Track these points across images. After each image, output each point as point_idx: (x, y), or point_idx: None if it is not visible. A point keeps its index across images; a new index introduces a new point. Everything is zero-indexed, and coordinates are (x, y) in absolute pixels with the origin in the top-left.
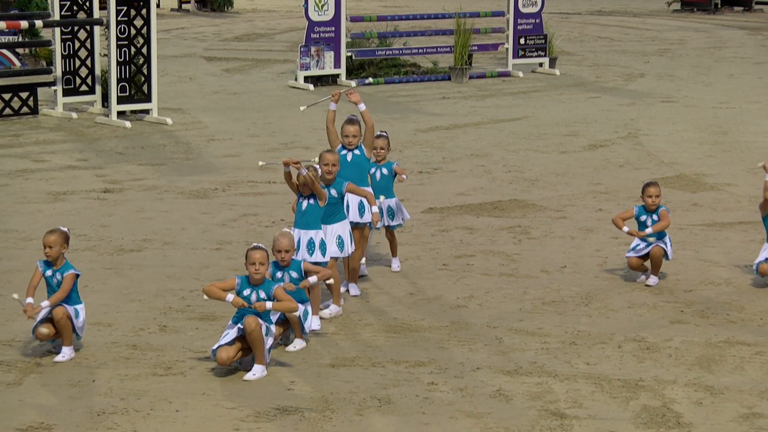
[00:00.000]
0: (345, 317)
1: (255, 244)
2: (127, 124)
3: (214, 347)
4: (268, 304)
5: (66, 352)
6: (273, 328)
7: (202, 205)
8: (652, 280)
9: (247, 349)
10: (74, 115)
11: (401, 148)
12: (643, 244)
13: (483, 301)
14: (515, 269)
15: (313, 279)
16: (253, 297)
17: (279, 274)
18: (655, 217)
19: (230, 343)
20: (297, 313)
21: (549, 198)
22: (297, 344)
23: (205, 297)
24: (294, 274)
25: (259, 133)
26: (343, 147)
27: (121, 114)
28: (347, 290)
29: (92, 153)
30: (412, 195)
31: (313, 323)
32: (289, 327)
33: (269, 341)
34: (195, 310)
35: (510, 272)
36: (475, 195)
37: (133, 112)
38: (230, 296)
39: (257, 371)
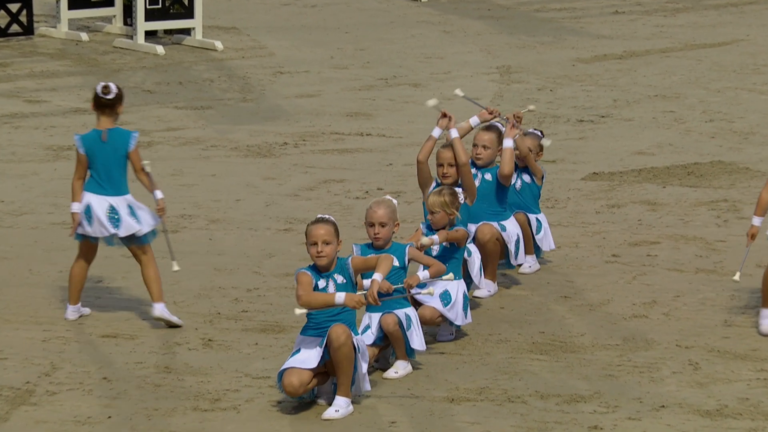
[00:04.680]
0: (472, 329)
1: (319, 215)
2: (160, 49)
3: (282, 368)
4: (377, 276)
5: (341, 405)
6: (363, 344)
7: (265, 166)
8: None
9: (325, 374)
10: (84, 36)
11: (553, 86)
12: None
13: (671, 309)
14: (718, 263)
15: (424, 273)
16: (331, 287)
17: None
18: None
19: (307, 366)
20: (398, 317)
21: None
22: (400, 368)
23: (299, 312)
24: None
25: (347, 63)
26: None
27: (150, 35)
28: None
29: None
30: (569, 154)
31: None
32: (389, 344)
33: (362, 365)
34: (254, 317)
35: (711, 267)
36: (661, 155)
37: (168, 32)
38: (341, 296)
39: (341, 406)
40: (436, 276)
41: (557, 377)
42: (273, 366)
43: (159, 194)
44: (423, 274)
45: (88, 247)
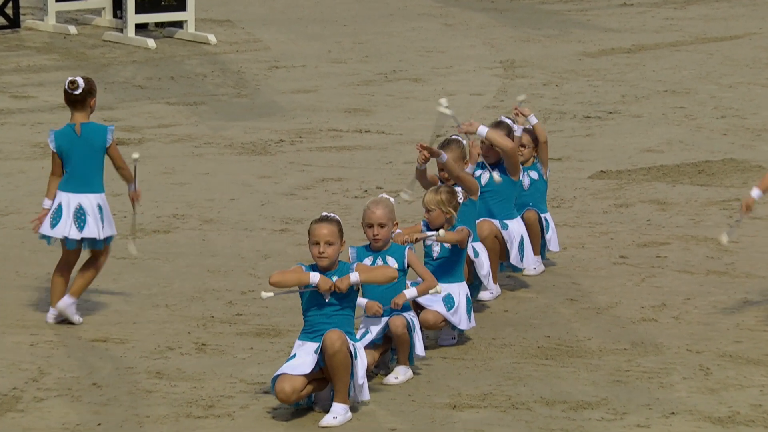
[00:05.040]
0: (475, 333)
1: (323, 213)
2: (151, 43)
3: (275, 374)
4: (353, 276)
5: (339, 411)
6: (361, 349)
7: (260, 164)
8: None
9: (323, 380)
10: (72, 29)
11: (558, 81)
12: None
13: (681, 313)
14: (731, 265)
15: (411, 291)
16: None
17: (367, 261)
18: None
19: (300, 372)
20: (408, 320)
21: None
22: (401, 374)
23: (266, 296)
24: (392, 262)
25: (345, 57)
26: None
27: (141, 28)
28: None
29: (98, 86)
30: (575, 152)
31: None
32: (390, 349)
33: (358, 368)
34: (249, 320)
35: (723, 269)
36: (671, 152)
37: (160, 25)
38: (315, 276)
39: (339, 413)
40: (424, 293)
41: (563, 383)
42: (268, 371)
43: (134, 186)
44: (410, 292)
45: (68, 251)
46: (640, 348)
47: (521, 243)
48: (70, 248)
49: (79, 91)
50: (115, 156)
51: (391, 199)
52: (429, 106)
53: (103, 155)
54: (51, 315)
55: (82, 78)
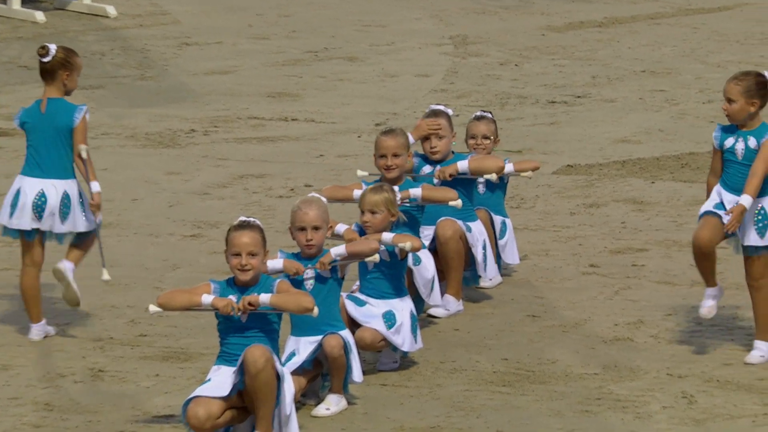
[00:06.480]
0: (420, 356)
1: (241, 218)
2: (39, 16)
3: (188, 398)
4: (263, 297)
5: None
6: (287, 373)
7: (168, 158)
8: None
9: (243, 409)
10: None
11: (518, 60)
12: None
13: (660, 331)
14: (719, 275)
15: (338, 250)
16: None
17: (309, 280)
18: None
19: (219, 396)
20: (341, 339)
21: None
22: (333, 403)
23: (154, 310)
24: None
25: (268, 32)
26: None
27: (28, 0)
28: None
29: None
30: (538, 143)
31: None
32: (320, 374)
33: (285, 395)
34: (154, 342)
35: None
36: (649, 143)
37: None
38: (207, 297)
39: None
40: (357, 255)
41: (523, 414)
42: (177, 402)
43: (95, 186)
44: (337, 250)
45: (27, 246)
46: (613, 372)
47: (485, 248)
48: (29, 240)
49: (48, 59)
50: (77, 140)
51: (323, 199)
52: (367, 89)
53: (71, 137)
54: (35, 331)
55: (58, 47)
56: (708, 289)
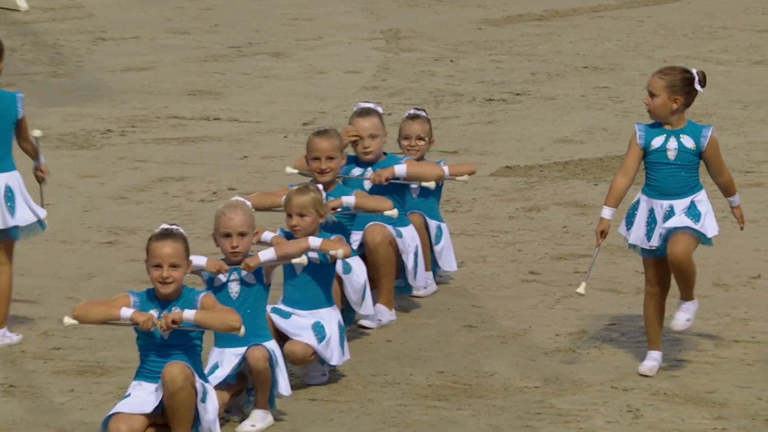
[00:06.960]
0: (351, 369)
1: (164, 226)
2: None
3: (111, 412)
4: (187, 313)
5: None
6: (211, 389)
7: (82, 160)
8: None
9: (165, 426)
10: None
11: (454, 56)
12: None
13: (604, 341)
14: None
15: (267, 253)
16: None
17: (233, 284)
18: None
19: (140, 411)
20: (270, 352)
21: (732, 149)
22: (258, 420)
23: (69, 323)
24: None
25: (189, 26)
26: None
27: None
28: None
29: None
30: (475, 143)
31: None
32: (245, 389)
33: (208, 412)
34: (69, 356)
35: None
36: (592, 143)
37: None
38: (127, 311)
39: None
40: (287, 257)
41: (460, 430)
42: (93, 419)
43: (42, 159)
44: (265, 254)
45: None
46: (554, 385)
47: (416, 255)
48: None
49: None
50: (24, 128)
51: (248, 203)
52: (293, 86)
53: (12, 127)
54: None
55: None
56: (651, 352)
